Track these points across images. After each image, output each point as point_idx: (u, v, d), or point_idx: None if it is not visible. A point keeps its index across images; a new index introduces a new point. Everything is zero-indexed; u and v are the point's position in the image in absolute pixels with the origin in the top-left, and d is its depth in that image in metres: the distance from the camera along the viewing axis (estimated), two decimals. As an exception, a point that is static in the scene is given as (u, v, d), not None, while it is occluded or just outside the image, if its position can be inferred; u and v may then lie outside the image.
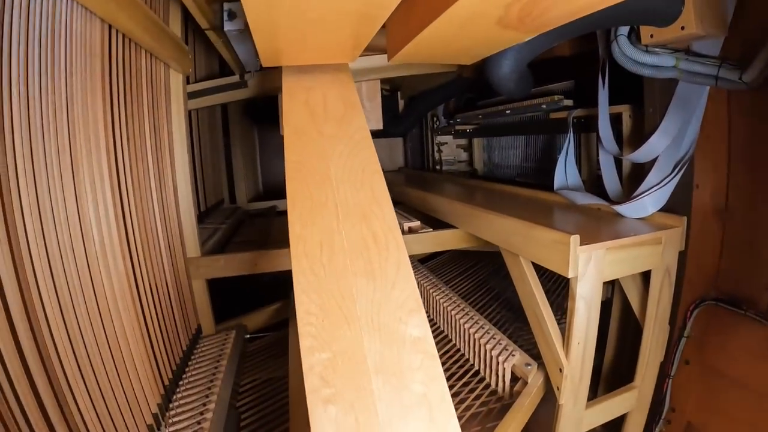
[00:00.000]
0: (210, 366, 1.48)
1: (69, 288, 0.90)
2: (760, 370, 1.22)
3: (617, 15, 1.19)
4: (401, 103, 3.15)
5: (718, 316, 1.36)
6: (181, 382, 1.37)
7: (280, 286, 2.09)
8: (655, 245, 1.25)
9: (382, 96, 1.90)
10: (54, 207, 0.89)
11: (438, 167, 3.31)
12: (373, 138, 1.00)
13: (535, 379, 1.32)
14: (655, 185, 1.34)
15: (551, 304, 1.28)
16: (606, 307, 1.56)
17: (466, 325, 1.57)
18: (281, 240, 1.87)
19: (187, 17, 1.65)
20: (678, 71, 1.26)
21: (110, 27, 1.13)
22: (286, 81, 1.14)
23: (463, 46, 1.22)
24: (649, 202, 1.35)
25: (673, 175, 1.33)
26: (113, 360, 1.02)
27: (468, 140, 3.11)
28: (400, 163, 3.91)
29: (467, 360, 1.56)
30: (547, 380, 1.30)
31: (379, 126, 1.85)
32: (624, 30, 1.31)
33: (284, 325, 1.86)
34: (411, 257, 0.81)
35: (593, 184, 1.85)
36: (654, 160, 1.37)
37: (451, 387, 1.38)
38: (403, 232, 1.78)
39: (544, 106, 1.91)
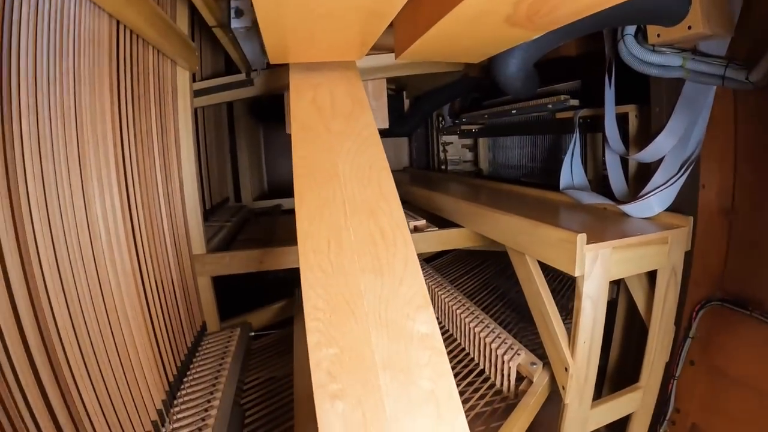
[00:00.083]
0: (215, 363, 1.48)
1: (75, 283, 0.90)
2: (765, 371, 1.22)
3: (624, 14, 1.19)
4: (407, 102, 3.15)
5: (724, 316, 1.35)
6: (185, 379, 1.38)
7: (285, 285, 2.10)
8: (662, 245, 1.25)
9: (388, 96, 1.90)
10: (61, 202, 0.89)
11: (443, 167, 3.30)
12: (378, 136, 1.00)
13: (540, 379, 1.32)
14: (662, 185, 1.34)
15: (556, 305, 1.28)
16: (611, 307, 1.55)
17: (472, 324, 1.57)
18: (286, 238, 1.87)
19: (194, 14, 1.65)
20: (685, 71, 1.26)
21: (118, 23, 1.13)
22: (293, 78, 1.14)
23: (470, 44, 1.22)
24: (655, 201, 1.35)
25: (679, 175, 1.32)
26: (118, 356, 1.02)
27: (473, 140, 3.10)
28: (405, 162, 3.91)
29: (471, 360, 1.56)
30: (553, 380, 1.29)
31: (385, 125, 1.85)
32: (631, 29, 1.31)
33: (289, 323, 1.86)
34: (416, 256, 0.81)
35: (599, 184, 1.85)
36: (660, 160, 1.37)
37: (455, 386, 1.38)
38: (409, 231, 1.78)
39: (550, 106, 1.91)
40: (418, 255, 0.79)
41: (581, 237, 1.08)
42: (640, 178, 1.53)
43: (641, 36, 1.31)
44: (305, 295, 0.72)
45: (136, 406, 1.06)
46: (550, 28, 1.08)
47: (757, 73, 1.15)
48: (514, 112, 2.15)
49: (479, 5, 0.89)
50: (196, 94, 1.85)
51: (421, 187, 2.31)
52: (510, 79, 1.49)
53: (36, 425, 0.77)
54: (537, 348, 1.42)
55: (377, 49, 1.33)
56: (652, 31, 1.27)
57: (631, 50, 1.31)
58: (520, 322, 1.75)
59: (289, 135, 1.03)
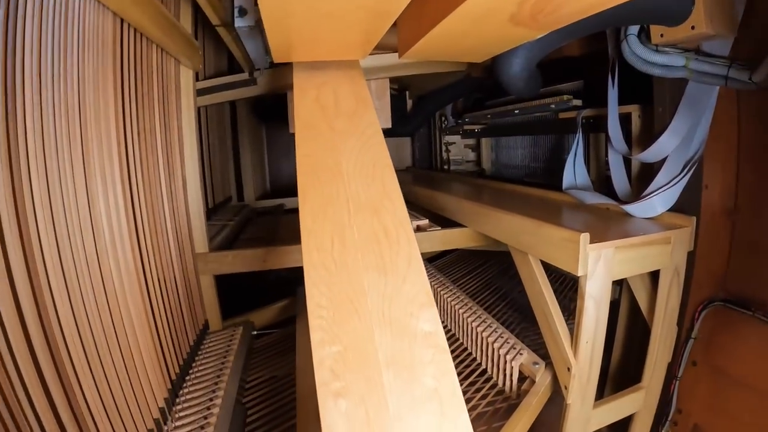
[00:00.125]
0: (217, 361, 1.48)
1: (78, 280, 0.90)
2: (767, 372, 1.22)
3: (628, 14, 1.19)
4: (409, 102, 3.15)
5: (726, 317, 1.35)
6: (188, 377, 1.38)
7: (287, 285, 2.10)
8: (664, 245, 1.25)
9: (391, 95, 1.91)
10: (65, 199, 0.89)
11: (446, 167, 3.30)
12: (381, 136, 1.00)
13: (542, 378, 1.31)
14: (665, 185, 1.34)
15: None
16: (614, 308, 1.55)
17: (474, 324, 1.57)
18: (289, 238, 1.87)
19: (197, 13, 1.65)
20: (688, 71, 1.26)
21: (122, 21, 1.13)
22: (297, 77, 1.14)
23: (474, 43, 1.22)
24: (658, 201, 1.35)
25: (682, 175, 1.32)
26: (121, 353, 1.02)
27: (476, 140, 3.10)
28: (407, 162, 3.91)
29: (473, 360, 1.56)
30: (555, 380, 1.29)
31: (388, 125, 1.86)
32: (634, 29, 1.31)
33: (291, 322, 1.86)
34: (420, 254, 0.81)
35: (602, 184, 1.85)
36: (663, 160, 1.37)
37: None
38: (412, 230, 1.78)
39: (553, 106, 1.90)
40: (421, 255, 0.79)
41: (584, 236, 1.08)
42: (642, 178, 1.53)
43: (644, 36, 1.31)
44: (308, 293, 0.72)
45: (138, 403, 1.06)
46: (553, 27, 1.08)
47: (760, 73, 1.15)
48: (516, 112, 2.15)
49: (484, 4, 0.89)
50: (199, 93, 1.86)
51: (423, 186, 2.31)
52: (513, 78, 1.49)
53: (39, 422, 0.77)
54: (539, 349, 1.42)
55: (380, 48, 1.33)
56: (656, 30, 1.26)
57: (635, 50, 1.31)
58: (522, 323, 1.75)
59: (292, 134, 1.03)
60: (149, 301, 1.20)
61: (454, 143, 3.25)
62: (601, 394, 1.40)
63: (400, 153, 3.87)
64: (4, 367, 0.73)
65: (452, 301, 1.76)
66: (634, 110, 1.57)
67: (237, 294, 1.96)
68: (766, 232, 1.28)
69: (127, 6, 1.08)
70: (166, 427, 1.16)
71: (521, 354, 1.39)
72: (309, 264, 0.76)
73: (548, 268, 1.31)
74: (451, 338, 1.70)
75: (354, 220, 0.82)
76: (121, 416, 0.99)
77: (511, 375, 1.36)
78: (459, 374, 1.45)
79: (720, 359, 1.36)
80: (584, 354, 1.18)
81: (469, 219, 1.73)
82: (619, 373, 1.66)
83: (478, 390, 1.39)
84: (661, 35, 1.25)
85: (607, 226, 1.33)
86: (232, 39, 1.63)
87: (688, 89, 1.30)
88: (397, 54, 1.41)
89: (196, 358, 1.49)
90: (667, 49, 1.28)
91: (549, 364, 1.32)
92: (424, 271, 0.76)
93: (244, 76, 1.95)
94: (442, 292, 1.85)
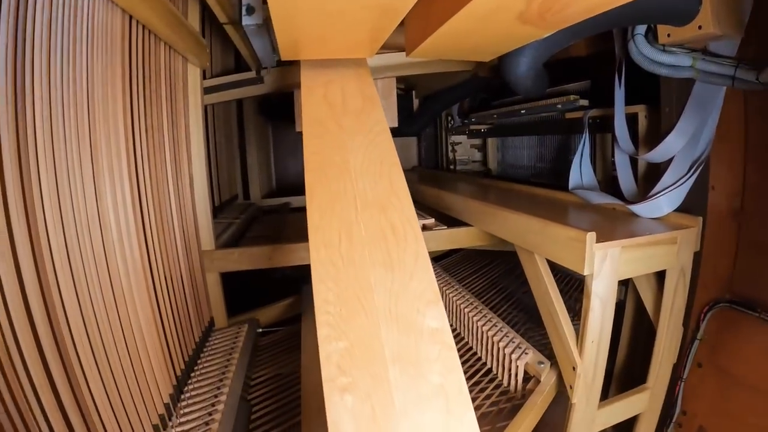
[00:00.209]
0: (222, 358, 1.48)
1: (86, 276, 0.91)
2: (773, 374, 1.22)
3: (635, 13, 1.19)
4: (416, 102, 3.15)
5: (732, 318, 1.35)
6: (193, 374, 1.38)
7: (292, 283, 2.10)
8: (671, 245, 1.25)
9: (397, 95, 1.91)
10: (73, 195, 0.89)
11: (452, 167, 3.30)
12: (387, 135, 1.00)
13: (547, 378, 1.31)
14: (671, 185, 1.34)
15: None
16: (619, 308, 1.55)
17: (480, 323, 1.57)
18: (295, 236, 1.87)
19: (205, 11, 1.66)
20: (695, 71, 1.26)
21: (131, 18, 1.14)
22: (304, 75, 1.15)
23: (481, 41, 1.22)
24: (664, 202, 1.35)
25: (688, 175, 1.32)
26: (127, 349, 1.03)
27: (482, 140, 3.09)
28: (413, 162, 3.91)
29: (478, 359, 1.56)
30: (560, 379, 1.29)
31: (394, 124, 1.86)
32: (641, 29, 1.31)
33: (296, 320, 1.86)
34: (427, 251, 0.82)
35: (608, 184, 1.85)
36: (670, 161, 1.36)
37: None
38: (418, 228, 1.79)
39: (559, 106, 1.90)
40: (427, 253, 0.80)
41: (591, 236, 1.08)
42: (649, 178, 1.53)
43: (651, 36, 1.30)
44: (316, 289, 0.72)
45: (143, 399, 1.06)
46: (561, 26, 1.08)
47: (767, 74, 1.15)
48: (523, 112, 2.14)
49: (492, 2, 0.89)
50: (206, 91, 1.86)
51: (430, 186, 2.31)
52: (520, 78, 1.49)
53: (45, 417, 0.78)
54: (543, 349, 1.42)
55: (387, 47, 1.33)
56: (663, 30, 1.26)
57: (642, 50, 1.30)
58: (527, 323, 1.75)
59: (299, 134, 1.03)
60: (156, 298, 1.21)
61: (461, 143, 3.24)
62: (606, 395, 1.40)
63: (406, 152, 3.87)
64: (12, 361, 0.73)
65: (458, 300, 1.76)
66: (640, 110, 1.57)
67: (242, 294, 1.96)
68: (773, 233, 1.28)
69: (136, 3, 1.09)
70: (170, 423, 1.16)
71: (526, 353, 1.39)
72: (316, 260, 0.76)
73: (554, 268, 1.31)
74: (456, 337, 1.70)
75: (361, 216, 0.82)
76: (126, 411, 0.99)
77: (516, 374, 1.36)
78: (464, 374, 1.45)
79: (725, 361, 1.36)
80: (589, 354, 1.18)
81: (476, 218, 1.74)
82: (624, 373, 1.66)
83: (482, 390, 1.39)
84: (668, 35, 1.25)
85: (613, 225, 1.33)
86: (240, 37, 1.63)
87: (695, 89, 1.30)
88: (404, 53, 1.41)
89: (202, 355, 1.49)
90: (674, 49, 1.28)
91: (554, 363, 1.32)
92: (431, 268, 0.77)
93: (251, 74, 1.95)
94: (447, 292, 1.85)
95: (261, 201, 3.12)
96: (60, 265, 0.84)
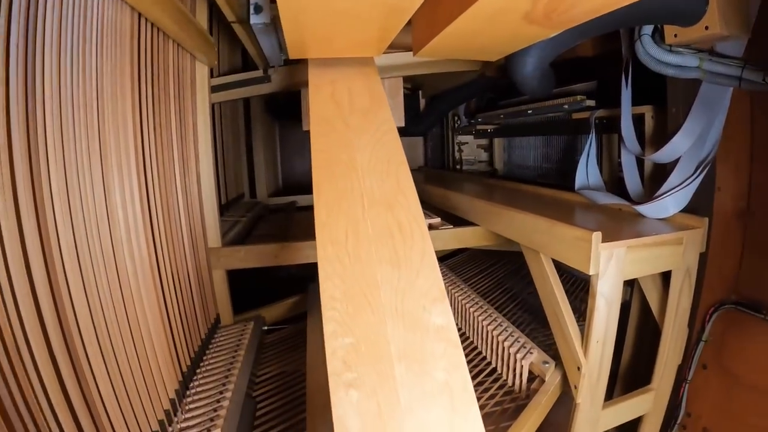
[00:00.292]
0: (228, 355, 1.49)
1: (94, 272, 0.92)
2: (778, 377, 1.22)
3: (641, 14, 1.19)
4: (422, 102, 3.15)
5: (737, 320, 1.35)
6: (198, 370, 1.39)
7: (298, 282, 2.10)
8: (676, 245, 1.25)
9: (404, 94, 1.91)
10: (82, 192, 0.90)
11: (458, 167, 3.30)
12: (394, 135, 1.01)
13: (552, 378, 1.31)
14: (677, 186, 1.34)
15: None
16: (624, 309, 1.55)
17: (485, 322, 1.57)
18: (301, 234, 1.88)
19: (213, 10, 1.67)
20: (701, 72, 1.26)
21: (140, 15, 1.15)
22: (312, 73, 1.15)
23: (488, 41, 1.22)
24: (670, 202, 1.35)
25: (695, 176, 1.32)
26: (134, 344, 1.03)
27: (489, 140, 3.09)
28: (420, 162, 3.90)
29: (483, 359, 1.56)
30: (564, 380, 1.29)
31: (401, 123, 1.86)
32: (648, 29, 1.31)
33: (302, 319, 1.87)
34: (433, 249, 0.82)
35: (614, 185, 1.84)
36: (676, 161, 1.36)
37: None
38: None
39: (566, 107, 1.90)
40: (433, 252, 0.80)
41: (596, 235, 1.08)
42: (655, 178, 1.53)
43: (658, 36, 1.30)
44: (322, 286, 0.73)
45: (149, 394, 1.07)
46: (567, 26, 1.08)
47: (774, 75, 1.15)
48: (529, 112, 2.14)
49: (498, 2, 0.89)
50: (214, 89, 1.87)
51: (436, 185, 2.32)
52: (526, 78, 1.49)
53: (52, 411, 0.78)
54: (548, 349, 1.42)
55: (394, 47, 1.34)
56: (669, 31, 1.26)
57: (648, 50, 1.30)
58: (532, 323, 1.75)
59: (305, 133, 1.04)
60: (162, 294, 1.22)
61: (467, 143, 3.24)
62: (610, 395, 1.40)
63: (413, 152, 3.87)
64: (20, 355, 0.74)
65: (463, 300, 1.77)
66: (647, 111, 1.57)
67: (248, 292, 1.97)
68: (780, 235, 1.27)
69: (146, 1, 1.10)
70: (175, 419, 1.17)
71: (531, 353, 1.39)
72: (323, 257, 0.76)
73: (559, 268, 1.31)
74: (462, 337, 1.70)
75: (368, 214, 0.83)
76: (132, 406, 1.00)
77: (521, 374, 1.36)
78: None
79: (730, 362, 1.35)
80: (594, 354, 1.18)
81: (482, 218, 1.74)
82: (629, 374, 1.66)
83: (486, 389, 1.39)
84: (675, 35, 1.25)
85: (619, 226, 1.33)
86: (247, 36, 1.64)
87: (702, 90, 1.29)
88: (411, 53, 1.41)
89: (207, 352, 1.50)
90: (680, 49, 1.28)
91: (559, 363, 1.32)
92: (437, 266, 0.77)
93: (259, 73, 1.96)
94: (453, 292, 1.86)
95: (267, 199, 3.12)
96: (69, 262, 0.84)
